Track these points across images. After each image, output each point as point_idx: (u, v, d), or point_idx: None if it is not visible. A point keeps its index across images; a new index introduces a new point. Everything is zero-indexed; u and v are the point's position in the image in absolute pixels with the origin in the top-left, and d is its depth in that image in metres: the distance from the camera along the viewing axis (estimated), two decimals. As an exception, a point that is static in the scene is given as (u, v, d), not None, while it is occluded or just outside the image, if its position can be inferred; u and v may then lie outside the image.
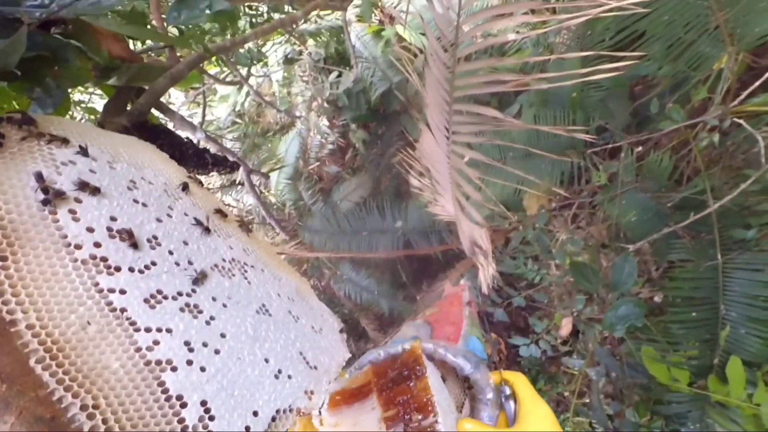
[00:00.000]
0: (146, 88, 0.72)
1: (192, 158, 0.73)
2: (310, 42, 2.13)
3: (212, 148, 0.95)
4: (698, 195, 1.41)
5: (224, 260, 0.47)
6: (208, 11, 0.61)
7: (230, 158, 0.84)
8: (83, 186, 0.39)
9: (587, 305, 1.46)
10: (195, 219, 0.46)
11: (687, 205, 1.44)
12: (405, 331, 0.63)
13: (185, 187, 0.50)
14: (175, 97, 2.33)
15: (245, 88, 2.06)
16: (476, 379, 0.47)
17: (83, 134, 0.45)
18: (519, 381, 0.48)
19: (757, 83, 1.33)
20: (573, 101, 1.78)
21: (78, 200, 0.38)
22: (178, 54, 0.88)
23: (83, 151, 0.41)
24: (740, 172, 1.47)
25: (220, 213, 0.53)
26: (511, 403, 0.47)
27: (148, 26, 0.70)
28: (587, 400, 1.67)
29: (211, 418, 0.37)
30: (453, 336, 0.58)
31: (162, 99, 0.81)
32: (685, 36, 1.47)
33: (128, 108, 0.70)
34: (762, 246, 1.25)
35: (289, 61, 2.13)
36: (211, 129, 2.22)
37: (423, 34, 1.94)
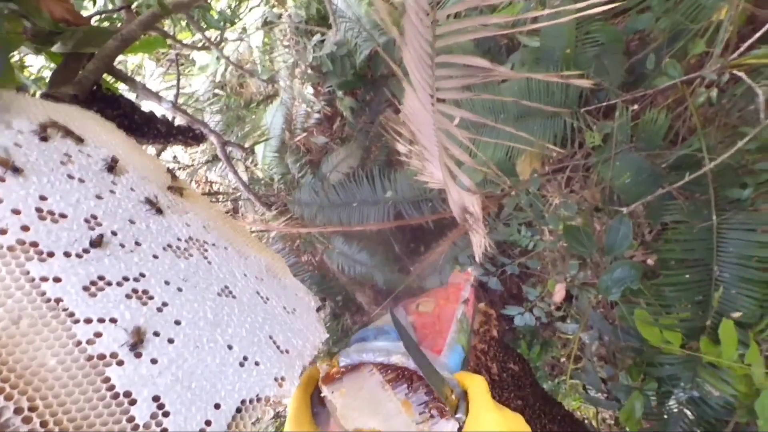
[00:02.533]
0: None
1: (149, 128, 0.68)
2: (290, 3, 2.01)
3: (181, 120, 0.89)
4: (694, 154, 1.37)
5: (179, 239, 0.43)
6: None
7: (199, 129, 0.78)
8: (3, 163, 0.34)
9: (581, 270, 1.44)
10: (145, 198, 0.41)
11: (682, 164, 1.40)
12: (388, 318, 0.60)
13: (113, 164, 0.44)
14: (148, 69, 2.22)
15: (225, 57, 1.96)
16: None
17: (8, 105, 0.40)
18: (474, 386, 0.46)
19: (757, 35, 1.26)
20: (566, 58, 1.71)
21: (0, 179, 0.33)
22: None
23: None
24: (737, 130, 1.42)
25: (175, 186, 0.49)
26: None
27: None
28: (581, 364, 1.68)
29: (166, 414, 0.33)
30: (437, 347, 0.57)
31: (131, 71, 0.75)
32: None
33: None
34: (757, 206, 1.22)
35: (267, 24, 2.02)
36: (190, 102, 2.13)
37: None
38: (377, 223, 1.94)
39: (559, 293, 1.55)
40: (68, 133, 0.41)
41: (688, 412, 1.31)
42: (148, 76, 2.19)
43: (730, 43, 1.35)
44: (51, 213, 0.35)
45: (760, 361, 1.10)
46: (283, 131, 2.31)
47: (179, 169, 2.38)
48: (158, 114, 0.71)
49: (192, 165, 2.26)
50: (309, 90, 2.25)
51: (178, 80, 1.28)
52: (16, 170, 0.34)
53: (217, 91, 2.27)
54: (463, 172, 0.95)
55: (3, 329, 0.30)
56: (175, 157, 2.34)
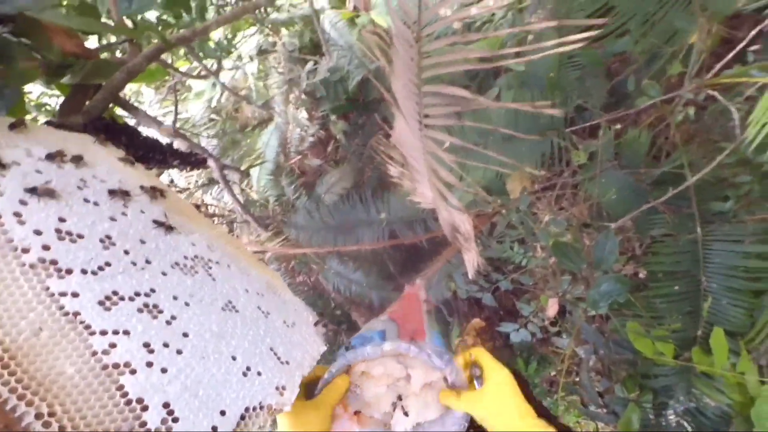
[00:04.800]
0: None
1: (153, 154, 0.71)
2: (284, 32, 2.09)
3: (182, 146, 0.93)
4: (676, 170, 1.42)
5: (186, 257, 0.45)
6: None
7: (198, 153, 0.82)
8: (31, 190, 0.37)
9: (572, 285, 1.47)
10: (154, 221, 0.44)
11: (666, 180, 1.45)
12: (373, 324, 0.64)
13: (151, 190, 0.48)
14: (146, 96, 2.27)
15: (220, 83, 2.01)
16: (445, 371, 0.58)
17: (30, 134, 0.43)
18: (479, 353, 0.59)
19: (729, 55, 1.34)
20: (551, 81, 1.78)
21: (23, 202, 0.36)
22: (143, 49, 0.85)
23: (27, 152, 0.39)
24: (717, 145, 1.48)
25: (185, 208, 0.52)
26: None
27: (102, 20, 0.68)
28: (578, 379, 1.69)
29: (175, 420, 0.36)
30: (418, 333, 0.64)
31: (128, 97, 0.79)
32: (657, 10, 1.47)
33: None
34: (740, 217, 1.27)
35: (262, 52, 2.09)
36: (187, 127, 2.18)
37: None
38: (372, 243, 1.96)
39: (552, 308, 1.57)
40: (82, 159, 0.44)
41: (686, 424, 1.32)
42: (147, 103, 2.24)
43: (704, 64, 1.43)
44: (69, 233, 0.37)
45: (753, 370, 1.12)
46: (278, 154, 2.35)
47: (177, 192, 2.40)
48: (159, 140, 0.74)
49: (188, 188, 2.29)
50: (303, 114, 2.30)
51: (176, 107, 1.32)
52: (49, 193, 0.37)
53: (212, 116, 2.32)
54: (453, 193, 0.98)
55: (25, 340, 0.33)
56: (172, 180, 2.37)
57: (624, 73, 1.83)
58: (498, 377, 0.57)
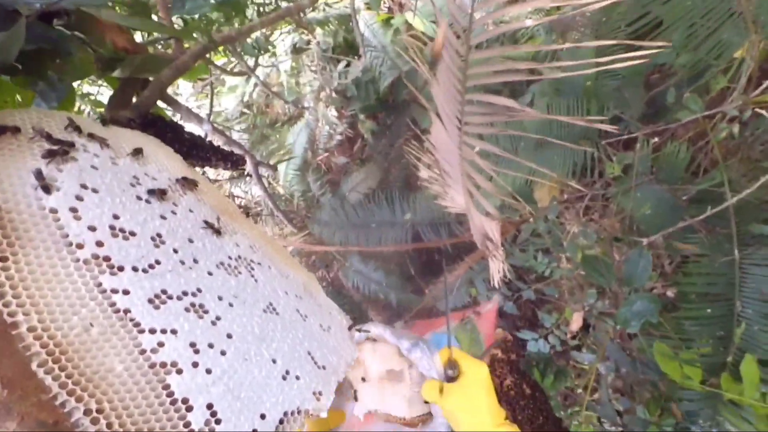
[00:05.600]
0: (151, 79, 0.71)
1: (197, 152, 0.72)
2: (319, 31, 2.10)
3: (219, 141, 0.94)
4: (715, 188, 1.37)
5: (230, 258, 0.46)
6: (212, 1, 0.59)
7: (236, 151, 0.83)
8: (84, 186, 0.37)
9: (599, 299, 1.44)
10: (205, 222, 0.45)
11: (704, 198, 1.40)
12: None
13: (188, 183, 0.49)
14: (182, 88, 2.32)
15: (253, 79, 2.04)
16: (412, 356, 0.58)
17: (86, 130, 0.44)
18: (458, 352, 0.59)
19: (779, 72, 1.28)
20: (587, 90, 1.74)
21: (79, 198, 0.37)
22: (185, 45, 0.87)
23: (83, 147, 0.40)
24: (759, 163, 1.42)
25: (225, 209, 0.52)
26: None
27: (153, 17, 0.69)
28: (596, 396, 1.65)
29: (218, 422, 0.36)
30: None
31: (168, 90, 0.80)
32: (705, 23, 1.42)
33: (133, 101, 0.69)
34: (781, 242, 1.22)
35: (297, 50, 2.10)
36: (219, 120, 2.21)
37: (433, 22, 1.90)
38: (395, 244, 1.96)
39: (576, 322, 1.54)
40: (141, 154, 0.45)
41: None
42: (183, 96, 2.29)
43: (752, 79, 1.37)
44: (122, 230, 0.38)
45: (784, 401, 1.08)
46: (306, 151, 2.37)
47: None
48: (202, 136, 0.75)
49: (218, 180, 2.33)
50: (333, 113, 2.31)
51: (212, 101, 1.34)
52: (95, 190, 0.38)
53: (244, 110, 2.35)
54: (484, 198, 0.97)
55: (76, 336, 0.33)
56: (204, 172, 2.42)
57: (664, 85, 1.78)
58: (474, 373, 0.56)
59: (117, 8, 0.65)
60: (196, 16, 0.66)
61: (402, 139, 2.49)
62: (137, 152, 0.46)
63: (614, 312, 1.52)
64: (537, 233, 2.05)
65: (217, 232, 0.45)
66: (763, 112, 1.18)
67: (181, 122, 0.86)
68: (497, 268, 1.23)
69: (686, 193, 1.51)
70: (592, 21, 1.77)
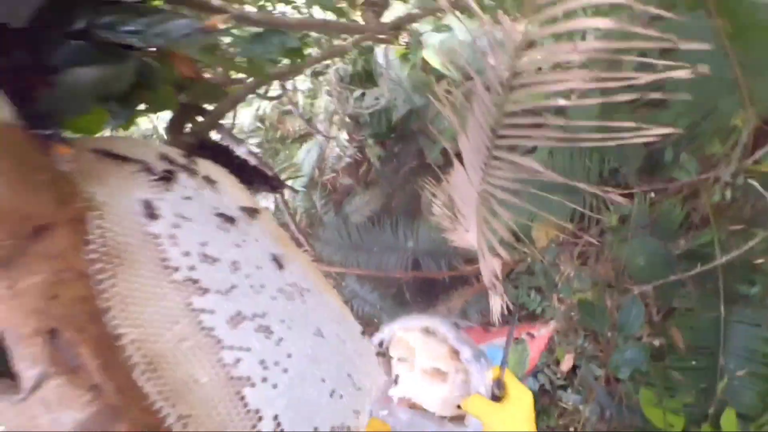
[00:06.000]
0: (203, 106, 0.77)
1: (243, 175, 0.78)
2: (338, 59, 2.19)
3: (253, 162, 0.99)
4: (706, 246, 1.46)
5: (288, 284, 0.51)
6: (280, 47, 0.66)
7: (278, 177, 0.88)
8: (181, 215, 0.43)
9: (590, 344, 1.50)
10: (272, 254, 0.50)
11: (695, 254, 1.49)
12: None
13: (253, 211, 0.54)
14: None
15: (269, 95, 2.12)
16: (470, 366, 0.60)
17: (175, 160, 0.49)
18: (507, 373, 0.61)
19: (772, 143, 1.38)
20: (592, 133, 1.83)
21: (176, 225, 0.42)
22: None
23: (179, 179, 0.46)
24: (748, 226, 1.52)
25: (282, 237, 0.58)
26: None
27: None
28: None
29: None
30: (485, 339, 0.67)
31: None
32: (704, 90, 1.52)
33: (190, 125, 0.75)
34: (765, 303, 1.30)
35: (316, 74, 2.19)
36: (234, 133, 2.28)
37: (450, 63, 1.99)
38: (395, 270, 2.01)
39: (567, 363, 1.60)
40: (215, 184, 0.50)
41: None
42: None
43: (746, 147, 1.47)
44: (208, 256, 0.43)
45: (760, 456, 1.13)
46: (314, 169, 2.43)
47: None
48: (247, 160, 0.81)
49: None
50: (344, 135, 2.39)
51: (234, 118, 1.41)
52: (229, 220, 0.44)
53: (258, 124, 2.42)
54: (498, 244, 1.04)
55: (170, 349, 0.38)
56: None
57: (662, 144, 1.89)
58: (521, 397, 0.59)
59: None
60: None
61: (407, 167, 2.57)
62: (211, 181, 0.51)
63: (602, 355, 1.58)
64: (530, 271, 2.12)
65: (280, 266, 0.50)
66: (754, 182, 1.27)
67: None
68: (498, 305, 1.29)
69: (678, 248, 1.59)
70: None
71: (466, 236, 1.29)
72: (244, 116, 2.42)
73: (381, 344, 0.66)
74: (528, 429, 0.57)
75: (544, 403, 1.97)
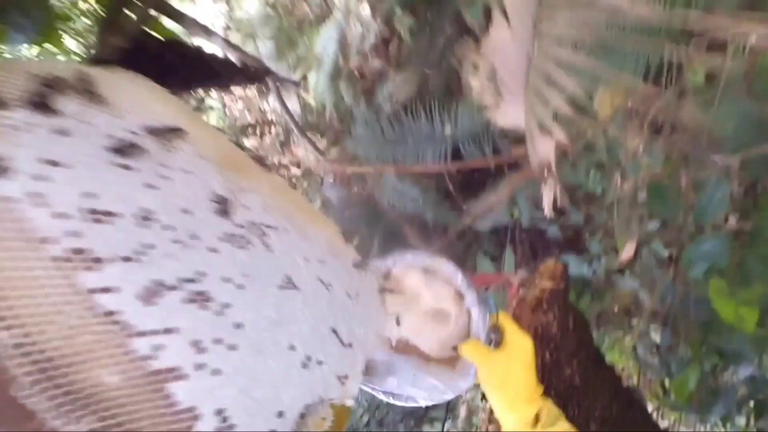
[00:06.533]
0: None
1: (210, 75, 0.62)
2: None
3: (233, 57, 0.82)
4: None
5: (239, 226, 0.39)
6: None
7: (257, 67, 0.71)
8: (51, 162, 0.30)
9: (658, 229, 1.32)
10: (216, 196, 0.37)
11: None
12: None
13: (179, 133, 0.39)
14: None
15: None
16: (473, 310, 0.58)
17: (57, 82, 0.35)
18: (504, 318, 0.60)
19: None
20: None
21: (44, 177, 0.30)
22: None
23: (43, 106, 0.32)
24: None
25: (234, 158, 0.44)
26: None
27: None
28: (635, 323, 1.61)
29: (230, 428, 0.32)
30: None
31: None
32: None
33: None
34: None
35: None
36: (242, 27, 2.02)
37: None
38: (433, 162, 1.85)
39: (627, 252, 1.44)
40: (108, 107, 0.36)
41: (742, 389, 1.24)
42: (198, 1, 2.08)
43: None
44: (100, 212, 0.31)
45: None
46: (337, 56, 2.17)
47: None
48: (217, 54, 0.65)
49: (245, 95, 2.22)
50: (365, 9, 2.06)
51: (230, 5, 1.18)
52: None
53: (268, 11, 2.13)
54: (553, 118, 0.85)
55: (56, 350, 0.28)
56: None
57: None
58: (520, 343, 0.57)
59: None
60: None
61: (444, 37, 2.22)
62: (104, 101, 0.36)
63: (670, 241, 1.40)
64: (591, 146, 1.86)
65: (224, 212, 0.37)
66: None
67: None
68: (550, 194, 1.13)
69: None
70: None
71: (513, 113, 1.10)
72: (251, 4, 2.12)
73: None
74: (526, 376, 0.55)
75: (598, 287, 1.87)
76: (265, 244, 0.40)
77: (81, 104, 0.35)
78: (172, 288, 0.33)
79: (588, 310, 1.89)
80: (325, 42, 2.08)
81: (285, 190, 0.49)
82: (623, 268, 1.68)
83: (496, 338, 0.59)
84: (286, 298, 0.39)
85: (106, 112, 0.35)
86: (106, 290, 0.30)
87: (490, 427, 0.88)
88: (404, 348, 0.60)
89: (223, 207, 0.38)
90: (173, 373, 0.31)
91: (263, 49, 2.00)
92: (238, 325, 0.35)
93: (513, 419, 0.55)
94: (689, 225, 1.16)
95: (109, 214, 0.32)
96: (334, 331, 0.42)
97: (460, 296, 0.60)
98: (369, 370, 0.56)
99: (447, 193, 2.20)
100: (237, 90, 2.27)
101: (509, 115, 1.05)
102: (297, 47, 2.12)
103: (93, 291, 0.29)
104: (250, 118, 2.43)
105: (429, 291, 0.59)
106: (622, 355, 1.91)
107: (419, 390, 0.59)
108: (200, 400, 0.31)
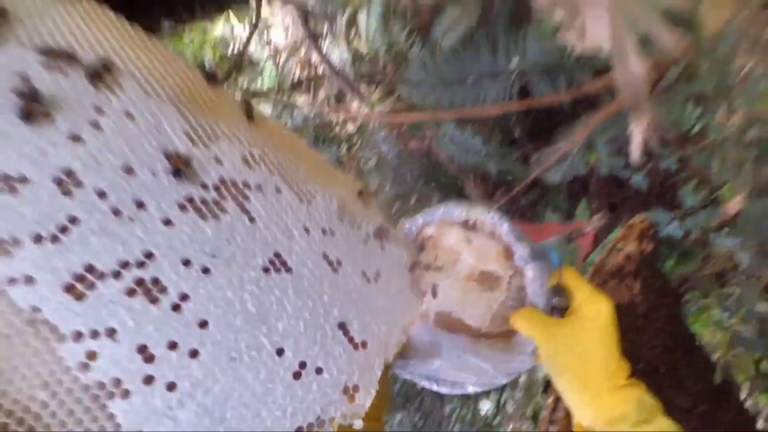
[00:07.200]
0: None
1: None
2: None
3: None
4: None
5: (205, 187, 0.29)
6: None
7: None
8: None
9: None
10: (170, 147, 0.28)
11: None
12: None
13: (99, 75, 0.29)
14: None
15: None
16: (527, 269, 0.46)
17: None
18: (572, 275, 0.46)
19: None
20: None
21: None
22: None
23: None
24: None
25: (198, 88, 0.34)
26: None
27: None
28: (728, 290, 1.36)
29: (189, 461, 0.24)
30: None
31: None
32: None
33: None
34: None
35: None
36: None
37: None
38: (497, 104, 1.64)
39: (733, 205, 1.19)
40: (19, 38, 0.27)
41: None
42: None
43: None
44: (8, 178, 0.23)
45: None
46: (387, -9, 1.97)
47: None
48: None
49: (293, 44, 2.11)
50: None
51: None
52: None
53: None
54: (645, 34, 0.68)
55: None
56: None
57: None
58: (594, 308, 0.42)
59: None
60: None
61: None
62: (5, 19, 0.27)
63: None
64: (692, 73, 1.55)
65: (176, 172, 0.28)
66: None
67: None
68: (640, 133, 0.92)
69: None
70: None
71: (594, 34, 0.91)
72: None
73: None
74: (606, 352, 0.41)
75: (687, 246, 1.60)
76: (245, 210, 0.31)
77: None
78: (108, 276, 0.25)
79: (671, 272, 1.64)
80: (373, -23, 1.88)
81: (283, 135, 0.39)
82: (723, 225, 1.41)
83: (561, 303, 0.46)
84: (271, 284, 0.30)
85: (11, 40, 0.26)
86: (22, 281, 0.22)
87: (551, 429, 0.71)
88: (446, 323, 0.49)
89: (182, 162, 0.28)
90: (113, 388, 0.23)
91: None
92: (202, 324, 0.26)
93: (591, 413, 0.41)
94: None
95: (21, 179, 0.24)
96: (342, 327, 0.32)
97: (509, 253, 0.48)
98: (407, 352, 0.47)
99: (512, 140, 2.00)
100: (286, 43, 2.16)
101: (590, 35, 0.86)
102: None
103: (9, 282, 0.22)
104: (299, 75, 2.34)
105: (472, 250, 0.48)
106: (709, 326, 1.66)
107: (467, 374, 0.49)
108: (150, 424, 0.24)
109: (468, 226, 0.47)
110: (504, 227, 0.46)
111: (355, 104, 2.36)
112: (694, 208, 1.31)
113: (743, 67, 1.36)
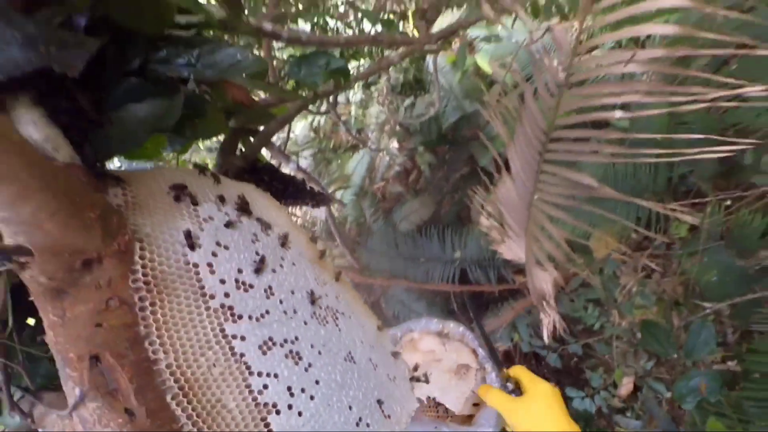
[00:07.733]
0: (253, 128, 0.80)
1: (289, 192, 0.80)
2: (391, 68, 2.21)
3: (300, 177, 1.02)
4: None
5: (321, 308, 0.52)
6: (325, 69, 0.67)
7: (323, 192, 0.90)
8: (219, 243, 0.45)
9: (652, 365, 1.39)
10: (308, 293, 0.51)
11: (777, 272, 1.33)
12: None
13: (284, 241, 0.55)
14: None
15: (324, 108, 2.18)
16: (486, 364, 0.65)
17: (215, 188, 0.52)
18: (519, 370, 0.62)
19: None
20: (657, 144, 1.72)
21: (215, 254, 0.45)
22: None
23: (220, 208, 0.48)
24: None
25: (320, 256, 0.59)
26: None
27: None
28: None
29: (303, 461, 0.41)
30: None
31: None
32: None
33: (242, 149, 0.78)
34: None
35: (368, 84, 2.23)
36: (289, 145, 2.37)
37: (503, 65, 1.94)
38: (442, 281, 1.99)
39: (626, 387, 1.49)
40: (250, 211, 0.52)
41: None
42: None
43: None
44: (244, 283, 0.45)
45: None
46: (364, 178, 2.47)
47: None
48: (294, 176, 0.84)
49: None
50: (394, 144, 2.40)
51: (288, 133, 1.46)
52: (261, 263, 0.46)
53: (311, 134, 2.50)
54: (547, 261, 0.99)
55: (202, 374, 0.40)
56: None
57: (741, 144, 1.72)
58: (541, 389, 0.57)
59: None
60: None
61: (458, 174, 2.53)
62: (248, 211, 0.53)
63: (668, 377, 1.46)
64: (587, 283, 2.00)
65: (313, 302, 0.51)
66: None
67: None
68: (549, 323, 1.23)
69: (757, 263, 1.44)
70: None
71: (516, 249, 1.25)
72: (300, 128, 2.50)
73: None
74: (558, 418, 0.54)
75: (600, 425, 1.85)
76: (337, 325, 0.53)
77: (234, 209, 0.51)
78: (279, 345, 0.45)
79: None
80: (355, 165, 2.39)
81: (348, 287, 0.63)
82: (625, 407, 1.69)
83: (514, 388, 0.61)
84: (348, 368, 0.51)
85: (250, 218, 0.51)
86: (241, 338, 0.42)
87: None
88: (431, 407, 0.67)
89: (315, 296, 0.52)
90: (272, 408, 0.42)
91: (302, 164, 2.33)
92: (317, 382, 0.46)
93: None
94: (681, 361, 1.24)
95: (250, 285, 0.46)
96: (379, 403, 0.52)
97: (475, 353, 0.67)
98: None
99: (450, 311, 2.30)
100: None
101: (512, 249, 1.21)
102: (330, 167, 2.43)
103: (232, 337, 0.42)
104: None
105: (447, 351, 0.66)
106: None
107: None
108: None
109: (442, 334, 0.68)
110: (469, 335, 0.67)
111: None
112: (598, 387, 1.58)
113: (625, 284, 1.83)
